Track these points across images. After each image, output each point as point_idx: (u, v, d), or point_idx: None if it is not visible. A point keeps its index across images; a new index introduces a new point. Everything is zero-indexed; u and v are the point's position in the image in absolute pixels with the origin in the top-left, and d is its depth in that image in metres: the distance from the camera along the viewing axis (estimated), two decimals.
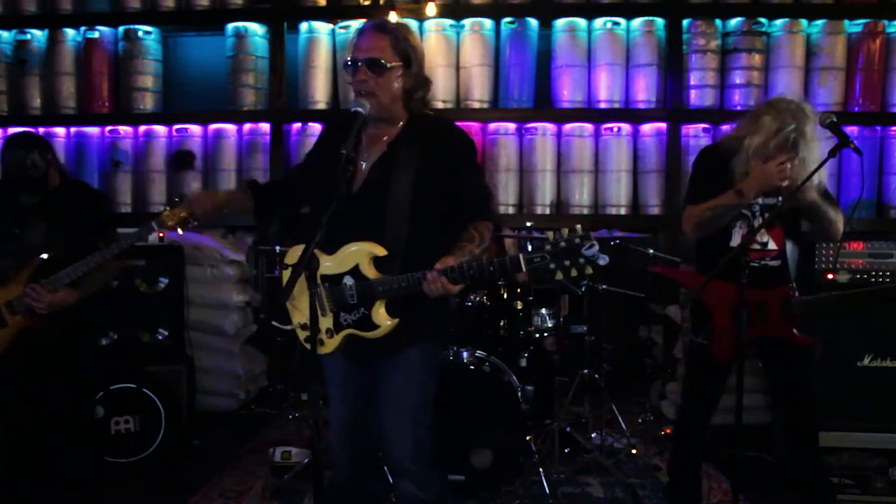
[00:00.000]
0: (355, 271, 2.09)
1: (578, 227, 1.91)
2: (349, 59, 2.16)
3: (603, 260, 1.88)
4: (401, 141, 2.20)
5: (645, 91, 5.05)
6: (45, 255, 2.94)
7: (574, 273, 1.89)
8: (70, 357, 3.05)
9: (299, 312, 2.21)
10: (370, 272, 2.08)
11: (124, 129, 5.33)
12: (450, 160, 2.17)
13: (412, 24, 5.11)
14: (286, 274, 2.14)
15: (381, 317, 2.09)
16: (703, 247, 2.93)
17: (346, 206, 2.10)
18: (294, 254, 2.23)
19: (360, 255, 2.09)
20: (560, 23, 5.09)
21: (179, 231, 2.60)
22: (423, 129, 2.21)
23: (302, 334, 2.23)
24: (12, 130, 5.34)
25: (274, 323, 2.30)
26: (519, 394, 3.27)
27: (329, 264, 2.13)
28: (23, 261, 2.94)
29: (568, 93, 5.08)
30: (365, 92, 2.13)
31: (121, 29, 5.32)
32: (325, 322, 2.15)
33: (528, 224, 4.22)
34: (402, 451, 2.19)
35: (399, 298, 2.07)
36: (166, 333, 4.10)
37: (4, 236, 3.02)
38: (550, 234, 1.91)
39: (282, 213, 2.59)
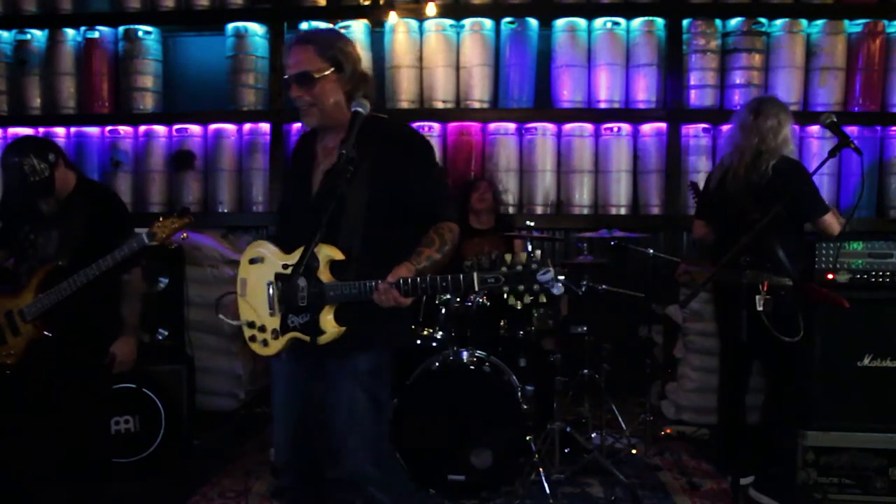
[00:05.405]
0: (309, 273, 2.04)
1: (538, 252, 1.92)
2: (284, 76, 2.17)
3: (557, 290, 1.86)
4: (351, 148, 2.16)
5: (645, 91, 5.06)
6: (58, 263, 2.90)
7: (528, 298, 1.90)
8: (85, 364, 3.03)
9: (250, 309, 2.17)
10: (324, 275, 2.03)
11: (124, 129, 5.34)
12: (401, 163, 2.13)
13: (410, 23, 5.13)
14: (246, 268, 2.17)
15: (328, 323, 2.03)
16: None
17: (305, 214, 2.11)
18: (254, 249, 2.20)
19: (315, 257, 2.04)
20: (560, 23, 5.10)
21: (172, 244, 2.56)
22: (372, 134, 2.13)
23: (248, 332, 2.18)
24: (12, 131, 5.36)
25: (221, 316, 2.27)
26: (519, 394, 3.27)
27: (285, 264, 2.10)
28: (35, 268, 2.93)
29: (568, 93, 5.08)
30: (302, 106, 2.14)
31: (121, 29, 5.33)
32: (272, 323, 2.11)
33: (529, 224, 4.21)
34: (361, 459, 2.14)
35: (349, 305, 2.03)
36: (166, 333, 4.09)
37: (23, 242, 3.00)
38: (508, 257, 1.89)
39: None
